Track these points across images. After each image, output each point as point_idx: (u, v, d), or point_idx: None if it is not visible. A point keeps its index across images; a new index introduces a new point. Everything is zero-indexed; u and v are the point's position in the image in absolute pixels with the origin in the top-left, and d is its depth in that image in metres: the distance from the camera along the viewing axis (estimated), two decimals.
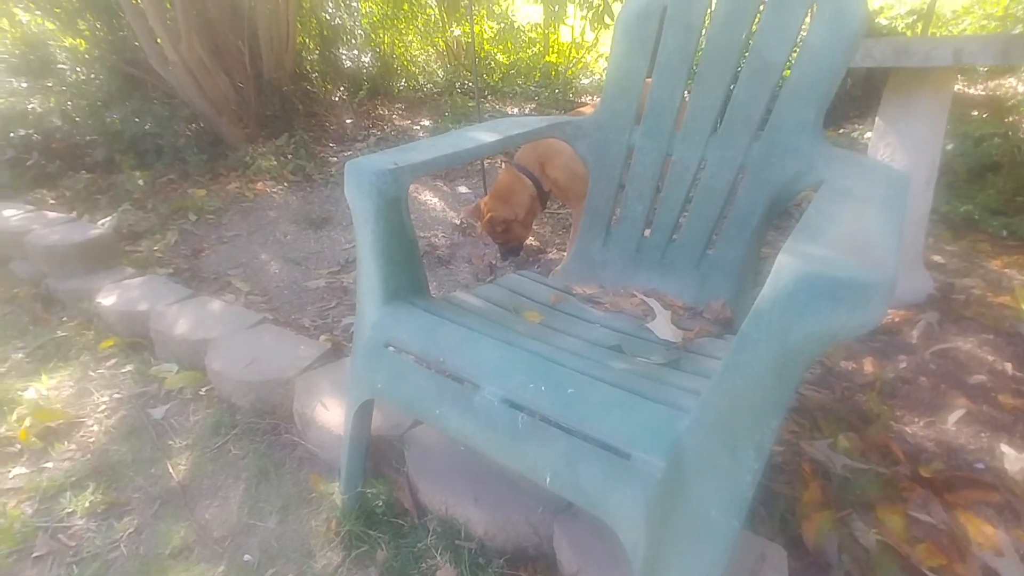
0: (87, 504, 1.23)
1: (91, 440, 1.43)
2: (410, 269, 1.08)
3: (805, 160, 1.16)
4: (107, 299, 1.91)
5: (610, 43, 1.40)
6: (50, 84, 4.81)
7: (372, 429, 1.18)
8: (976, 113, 3.62)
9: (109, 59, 4.15)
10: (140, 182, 3.14)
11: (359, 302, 1.08)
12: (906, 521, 1.05)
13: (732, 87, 1.27)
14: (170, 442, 1.41)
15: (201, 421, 1.47)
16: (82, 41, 4.70)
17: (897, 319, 1.74)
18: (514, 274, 1.35)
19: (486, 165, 3.10)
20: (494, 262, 2.35)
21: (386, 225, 1.02)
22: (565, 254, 2.34)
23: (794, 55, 1.19)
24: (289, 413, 1.41)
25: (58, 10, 4.37)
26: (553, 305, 1.21)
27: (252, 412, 1.45)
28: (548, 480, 0.81)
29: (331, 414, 1.28)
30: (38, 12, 4.61)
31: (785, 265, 0.64)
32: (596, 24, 3.55)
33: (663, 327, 1.12)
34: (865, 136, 3.48)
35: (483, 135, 1.24)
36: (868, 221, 0.77)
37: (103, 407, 1.55)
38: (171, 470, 1.32)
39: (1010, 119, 3.47)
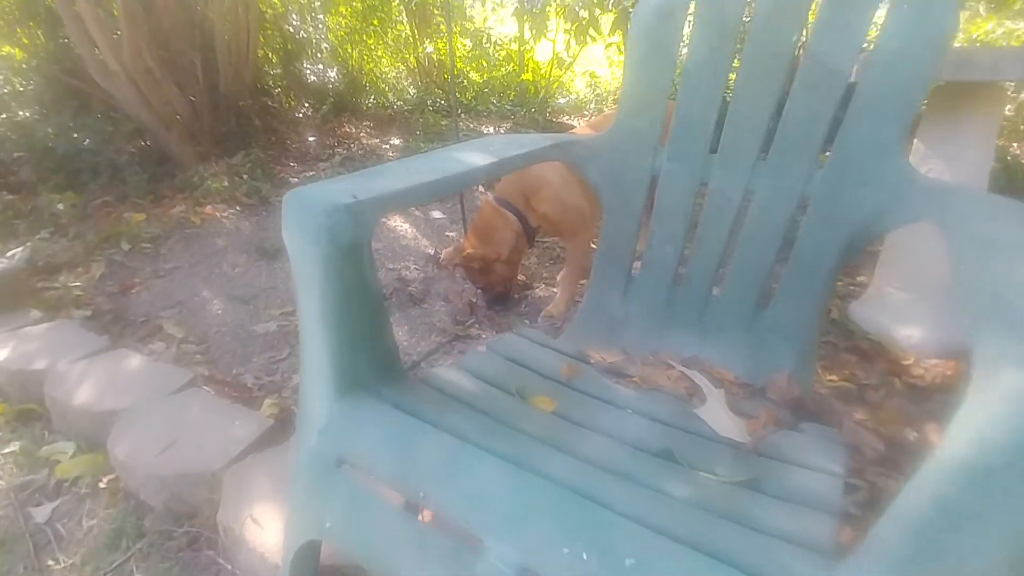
0: None
1: None
2: (375, 342, 0.78)
3: (891, 192, 0.90)
4: None
5: (625, 47, 1.14)
6: None
7: (322, 557, 0.86)
8: None
9: (46, 69, 3.75)
10: (60, 205, 2.76)
11: (302, 395, 0.77)
12: None
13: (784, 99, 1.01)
14: (50, 562, 1.06)
15: (97, 527, 1.12)
16: (19, 50, 4.29)
17: (949, 371, 1.50)
18: (512, 334, 1.05)
19: (464, 190, 2.82)
20: (474, 300, 2.05)
21: (341, 284, 0.72)
22: (556, 291, 2.06)
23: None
24: (215, 521, 1.07)
25: None
26: (567, 381, 0.92)
27: (166, 516, 1.10)
28: None
29: (266, 534, 0.95)
30: None
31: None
32: (580, 38, 3.33)
33: (719, 416, 0.83)
34: None
35: (473, 156, 0.94)
36: None
37: None
38: None
39: (1000, 143, 3.37)
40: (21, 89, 4.29)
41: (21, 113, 3.95)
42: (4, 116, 3.90)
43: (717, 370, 0.96)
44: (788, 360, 0.95)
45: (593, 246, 2.43)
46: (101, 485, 1.20)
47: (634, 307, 1.09)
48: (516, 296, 2.05)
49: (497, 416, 0.76)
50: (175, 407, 1.28)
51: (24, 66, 4.24)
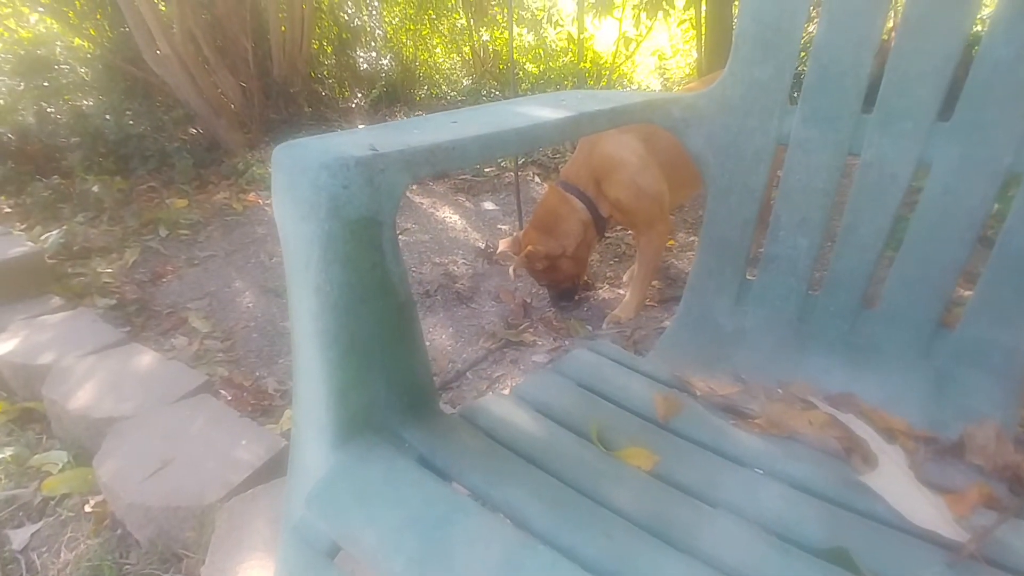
0: None
1: None
2: (398, 364, 0.54)
3: None
4: (7, 344, 1.40)
5: None
6: (45, 84, 4.46)
7: None
8: None
9: (108, 58, 3.78)
10: (95, 187, 2.69)
11: (293, 439, 0.54)
12: None
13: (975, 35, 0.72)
14: None
15: (75, 563, 0.93)
16: (87, 42, 4.36)
17: None
18: (584, 350, 0.80)
19: (519, 177, 2.57)
20: (529, 301, 1.81)
21: (349, 277, 0.48)
22: (623, 293, 1.79)
23: None
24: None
25: (67, 10, 4.03)
26: (664, 421, 0.66)
27: (152, 555, 0.91)
28: None
29: None
30: (41, 9, 4.28)
31: None
32: (652, 12, 3.01)
33: (903, 490, 0.56)
34: None
35: (540, 110, 0.70)
36: None
37: None
38: None
39: None
40: (85, 78, 4.36)
41: (85, 103, 4.00)
42: (67, 104, 3.95)
43: (881, 414, 0.67)
44: (991, 404, 0.66)
45: (671, 242, 2.15)
46: (87, 508, 1.02)
47: (751, 320, 0.81)
48: (577, 297, 1.80)
49: (575, 482, 0.51)
50: (178, 417, 1.09)
51: (88, 55, 4.31)
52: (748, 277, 0.85)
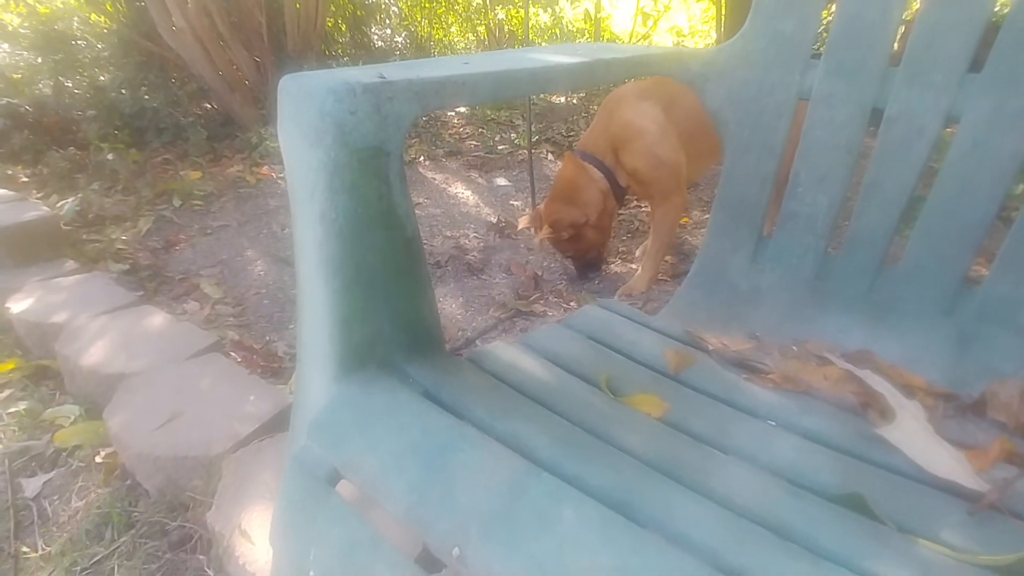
0: None
1: None
2: (404, 300, 0.53)
3: None
4: (22, 303, 1.41)
5: None
6: (63, 58, 4.48)
7: None
8: None
9: (124, 32, 3.79)
10: (111, 158, 2.71)
11: (298, 374, 0.53)
12: None
13: None
14: (25, 548, 0.89)
15: (85, 510, 0.94)
16: (103, 16, 4.36)
17: None
18: (594, 306, 0.78)
19: (532, 154, 2.53)
20: (540, 273, 1.79)
21: (355, 207, 0.47)
22: (635, 267, 1.77)
23: None
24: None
25: None
26: (675, 374, 0.64)
27: (160, 504, 0.91)
28: None
29: (257, 551, 0.73)
30: None
31: None
32: None
33: (923, 443, 0.54)
34: None
35: (554, 56, 0.68)
36: None
37: None
38: None
39: None
40: (104, 54, 4.37)
41: (101, 77, 4.01)
42: (84, 77, 3.97)
43: (899, 371, 0.65)
44: (1015, 363, 0.63)
45: (685, 219, 2.12)
46: (98, 459, 1.03)
47: (767, 277, 0.79)
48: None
49: (582, 423, 0.50)
50: (188, 374, 1.10)
51: (105, 30, 4.32)
52: (765, 235, 0.83)
